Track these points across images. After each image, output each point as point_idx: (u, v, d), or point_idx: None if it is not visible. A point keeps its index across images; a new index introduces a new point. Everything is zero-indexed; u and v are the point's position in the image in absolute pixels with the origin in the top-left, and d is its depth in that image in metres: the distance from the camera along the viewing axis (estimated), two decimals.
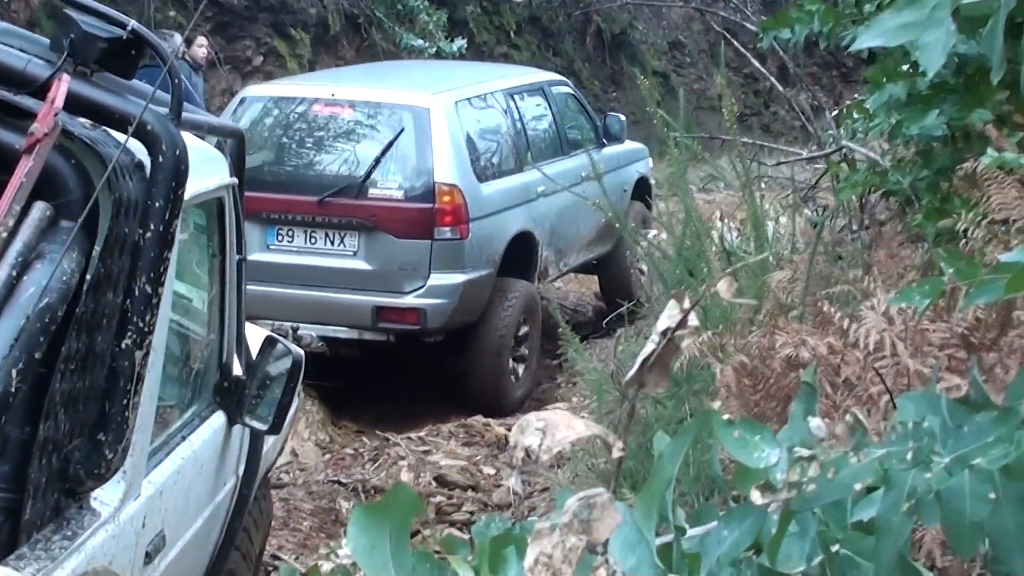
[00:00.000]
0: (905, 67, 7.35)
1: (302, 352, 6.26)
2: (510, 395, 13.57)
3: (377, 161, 12.92)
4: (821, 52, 22.47)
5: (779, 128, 27.11)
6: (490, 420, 13.05)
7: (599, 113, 17.73)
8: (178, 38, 19.14)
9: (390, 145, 12.94)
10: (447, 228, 12.78)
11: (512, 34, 26.09)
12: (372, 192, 12.90)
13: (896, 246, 8.35)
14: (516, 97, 14.74)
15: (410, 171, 12.99)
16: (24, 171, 4.06)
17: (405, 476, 10.70)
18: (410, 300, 12.76)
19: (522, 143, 14.52)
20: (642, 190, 16.95)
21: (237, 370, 6.05)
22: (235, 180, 5.76)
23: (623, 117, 16.67)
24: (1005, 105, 6.66)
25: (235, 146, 5.90)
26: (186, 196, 4.60)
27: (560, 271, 15.24)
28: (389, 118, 13.30)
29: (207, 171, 5.37)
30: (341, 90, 13.57)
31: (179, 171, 4.44)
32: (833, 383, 6.14)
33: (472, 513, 10.45)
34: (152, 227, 4.39)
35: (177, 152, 4.41)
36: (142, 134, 4.35)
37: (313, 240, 13.02)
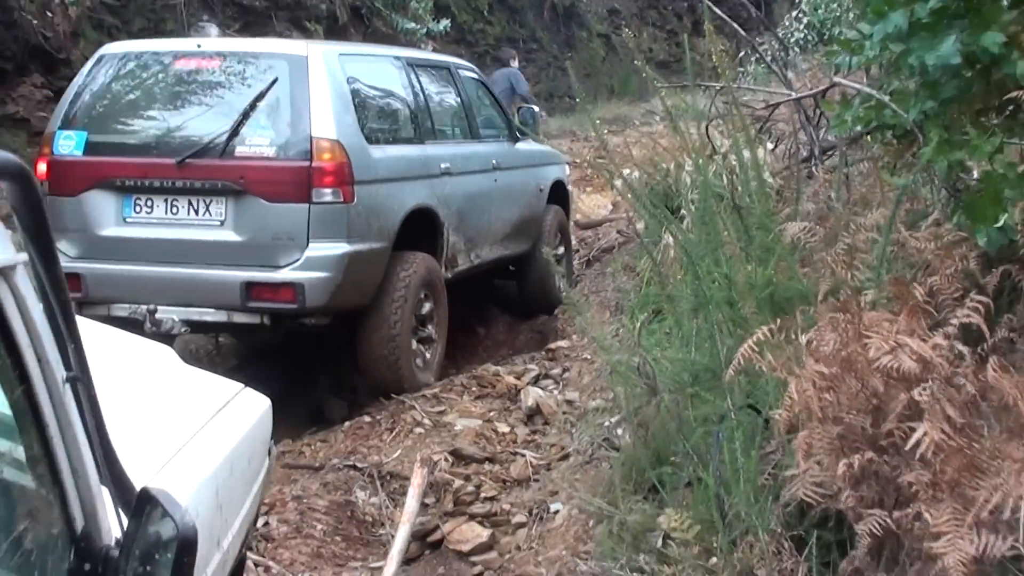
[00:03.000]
0: None
1: (192, 522, 1.78)
2: (414, 380, 7.43)
3: (245, 115, 6.88)
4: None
5: (696, 69, 21.59)
6: (499, 369, 7.95)
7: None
8: (213, 29, 13.42)
9: (261, 96, 6.91)
10: (327, 190, 6.77)
11: (486, 13, 20.95)
12: (240, 150, 6.86)
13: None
14: (415, 68, 8.34)
15: (284, 126, 6.91)
16: None
17: (418, 471, 5.53)
18: (285, 274, 6.75)
19: (423, 115, 8.13)
20: (559, 195, 10.39)
21: (113, 531, 1.87)
22: (23, 257, 1.53)
23: (537, 109, 10.29)
24: (1012, 27, 3.94)
25: (17, 193, 1.47)
26: None
27: (472, 262, 8.58)
28: (262, 69, 7.04)
29: None
30: (209, 41, 7.69)
31: None
32: (954, 401, 3.03)
33: (493, 499, 5.69)
34: None
35: None
36: None
37: (175, 209, 6.94)
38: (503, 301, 10.15)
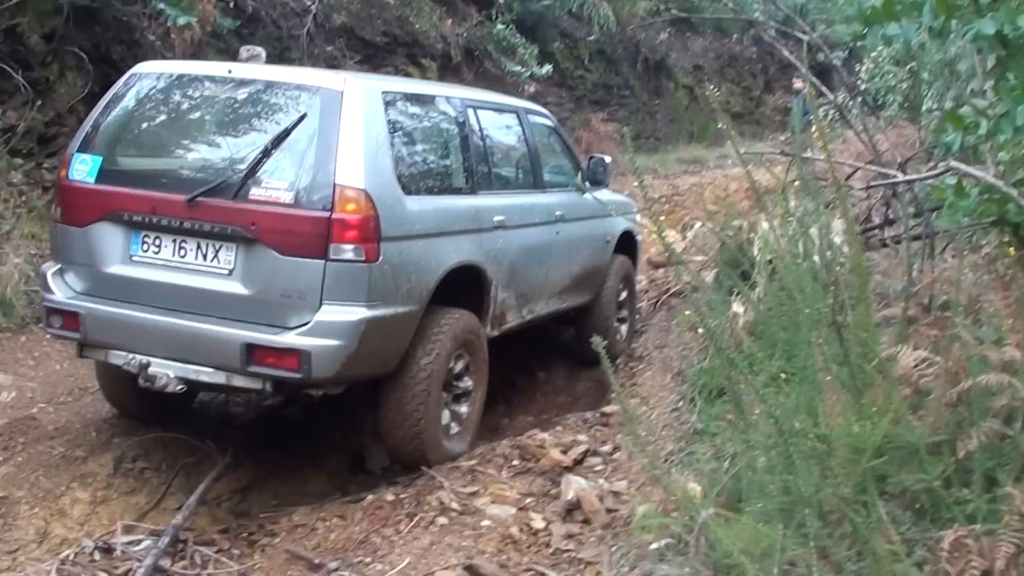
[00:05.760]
0: None
1: None
2: (443, 450, 5.39)
3: (265, 153, 4.80)
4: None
5: (766, 122, 20.19)
6: (545, 437, 5.58)
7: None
8: (263, 52, 11.20)
9: (286, 134, 4.83)
10: (348, 246, 4.61)
11: (585, 61, 18.51)
12: (254, 193, 4.75)
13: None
14: (478, 112, 6.03)
15: (307, 169, 4.73)
16: None
17: None
18: (291, 339, 4.63)
19: (477, 162, 5.84)
20: (627, 245, 7.90)
21: None
22: None
23: (608, 159, 7.48)
24: None
25: None
26: None
27: (524, 318, 6.30)
28: (292, 103, 4.97)
29: None
30: (240, 67, 5.35)
31: None
32: None
33: None
34: None
35: None
36: None
37: (183, 252, 4.90)
38: (563, 347, 8.01)
